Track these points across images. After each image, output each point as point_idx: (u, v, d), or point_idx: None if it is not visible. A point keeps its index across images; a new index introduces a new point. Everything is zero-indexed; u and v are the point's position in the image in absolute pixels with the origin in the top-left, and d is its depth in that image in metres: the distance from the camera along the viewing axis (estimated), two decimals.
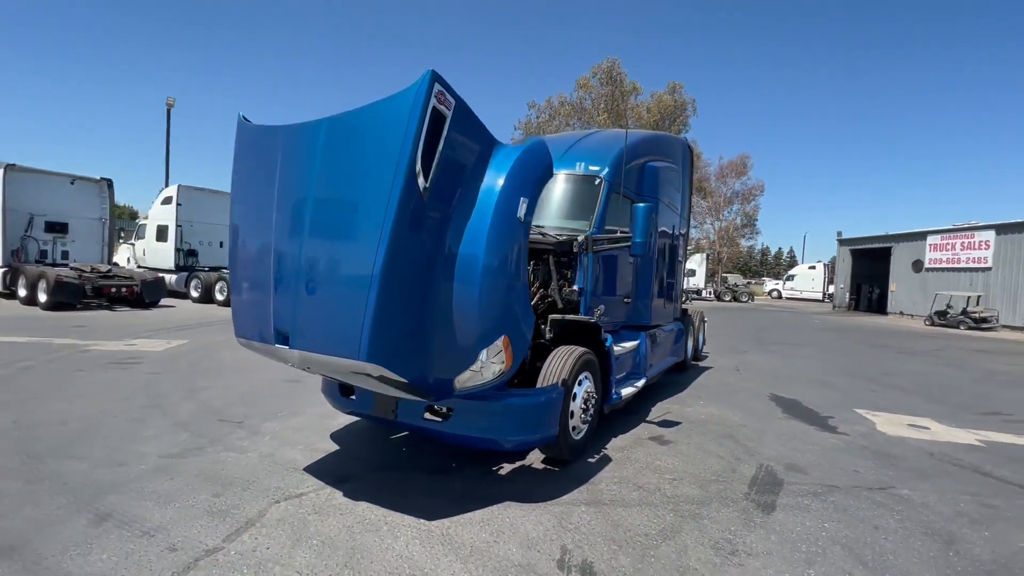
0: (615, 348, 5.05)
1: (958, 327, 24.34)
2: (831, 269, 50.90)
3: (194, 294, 16.69)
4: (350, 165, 2.88)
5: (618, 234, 5.09)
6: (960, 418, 6.76)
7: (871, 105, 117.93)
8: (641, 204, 4.81)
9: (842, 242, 36.95)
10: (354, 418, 5.16)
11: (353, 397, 4.16)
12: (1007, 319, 24.40)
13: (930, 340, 17.95)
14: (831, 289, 45.31)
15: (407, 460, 4.30)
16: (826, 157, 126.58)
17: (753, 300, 44.59)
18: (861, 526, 3.47)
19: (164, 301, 15.50)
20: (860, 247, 35.20)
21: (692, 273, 38.07)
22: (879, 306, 33.53)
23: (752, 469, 4.44)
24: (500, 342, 3.19)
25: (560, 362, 4.03)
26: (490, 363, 3.21)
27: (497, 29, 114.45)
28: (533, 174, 3.31)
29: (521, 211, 3.19)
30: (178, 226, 17.00)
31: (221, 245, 18.76)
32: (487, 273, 3.03)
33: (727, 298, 43.01)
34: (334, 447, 4.45)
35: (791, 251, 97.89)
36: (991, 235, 25.96)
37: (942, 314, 25.79)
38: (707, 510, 3.60)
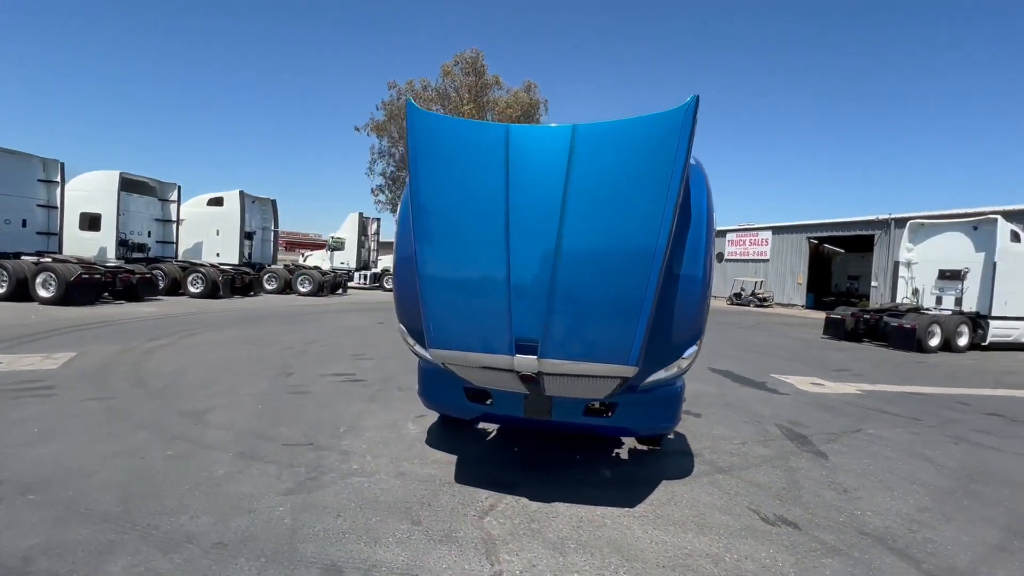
0: None
1: (748, 305, 31.51)
2: None
3: None
4: (614, 178, 2.92)
5: None
6: (830, 375, 9.23)
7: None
8: None
9: None
10: (423, 424, 4.94)
11: (479, 401, 4.06)
12: (779, 299, 32.45)
13: (744, 317, 22.99)
14: None
15: (533, 458, 4.36)
16: None
17: None
18: (880, 458, 4.81)
19: None
20: None
21: None
22: None
23: (775, 429, 5.60)
24: (700, 341, 3.58)
25: None
26: (683, 360, 3.58)
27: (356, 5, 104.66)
28: (710, 190, 3.73)
29: (714, 223, 3.61)
30: None
31: (24, 224, 14.21)
32: (705, 282, 3.39)
33: None
34: (451, 456, 4.26)
35: None
36: (769, 234, 34.01)
37: (737, 295, 33.01)
38: (791, 463, 4.55)
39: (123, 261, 15.81)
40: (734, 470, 4.31)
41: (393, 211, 44.89)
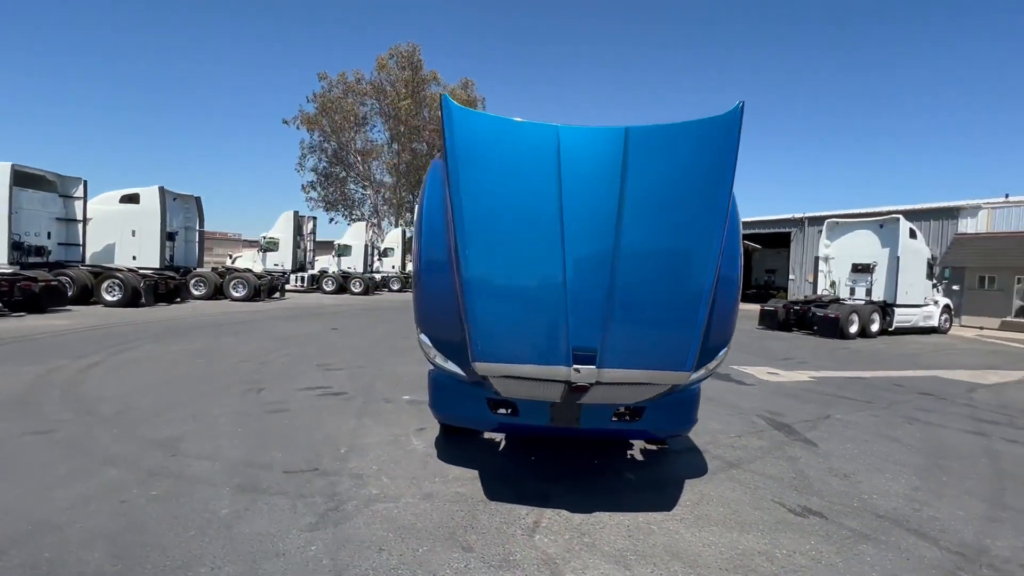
0: None
1: None
2: None
3: None
4: (670, 181, 2.89)
5: None
6: (780, 364, 9.95)
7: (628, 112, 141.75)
8: None
9: None
10: (427, 438, 4.70)
11: (502, 411, 3.91)
12: None
13: None
14: None
15: (554, 466, 4.25)
16: None
17: None
18: (858, 442, 5.21)
19: None
20: None
21: None
22: None
23: (761, 420, 5.91)
24: (729, 343, 3.66)
25: None
26: (713, 362, 3.64)
27: None
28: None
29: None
30: None
31: None
32: (739, 284, 3.46)
33: None
34: (470, 471, 4.06)
35: None
36: None
37: None
38: (788, 452, 4.82)
39: (19, 267, 13.72)
40: (743, 463, 4.48)
41: (326, 209, 42.81)
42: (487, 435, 4.85)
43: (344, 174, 42.95)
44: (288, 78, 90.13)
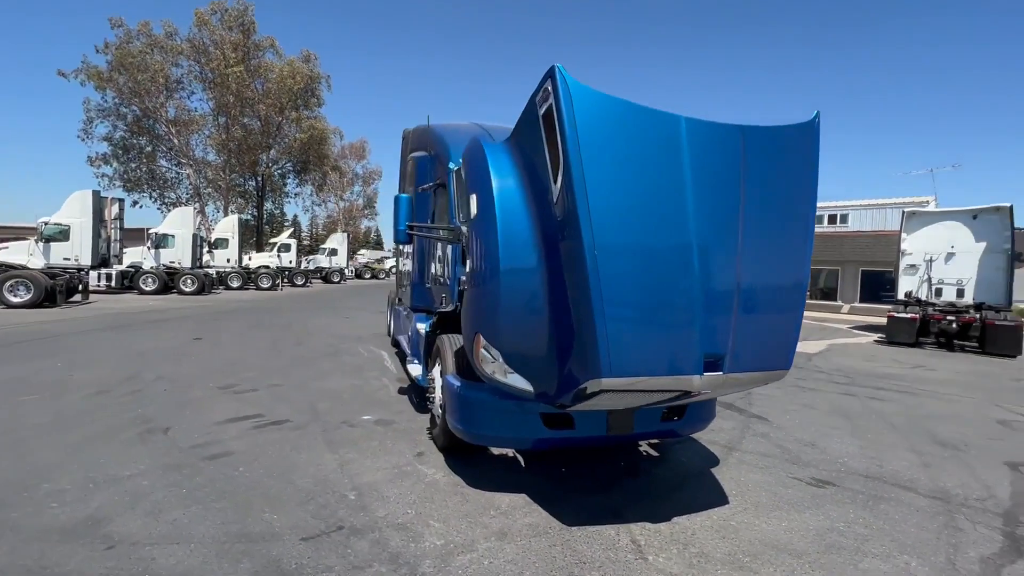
0: None
1: None
2: None
3: None
4: (777, 182, 2.89)
5: None
6: None
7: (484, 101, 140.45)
8: None
9: None
10: (437, 464, 4.14)
11: (557, 426, 3.63)
12: None
13: None
14: None
15: (588, 478, 4.06)
16: None
17: (390, 276, 49.07)
18: (792, 413, 6.13)
19: None
20: None
21: (334, 252, 38.30)
22: None
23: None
24: None
25: None
26: None
27: None
28: None
29: None
30: None
31: None
32: None
33: (367, 276, 45.60)
34: (518, 496, 3.64)
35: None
36: None
37: None
38: (757, 429, 5.41)
39: None
40: (736, 446, 4.89)
41: (127, 189, 34.57)
42: (497, 452, 4.43)
43: (151, 147, 35.14)
44: (58, 20, 69.67)
